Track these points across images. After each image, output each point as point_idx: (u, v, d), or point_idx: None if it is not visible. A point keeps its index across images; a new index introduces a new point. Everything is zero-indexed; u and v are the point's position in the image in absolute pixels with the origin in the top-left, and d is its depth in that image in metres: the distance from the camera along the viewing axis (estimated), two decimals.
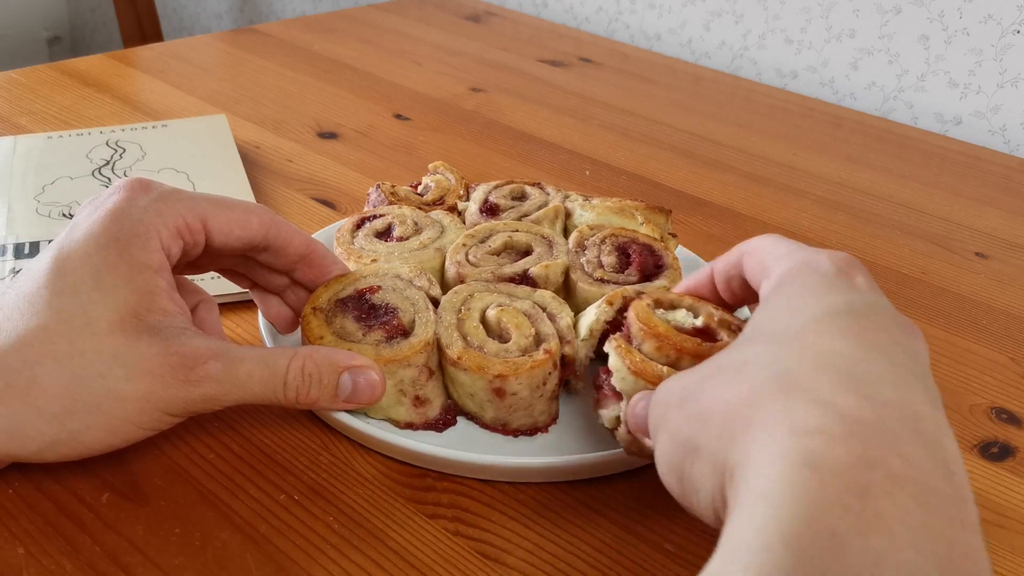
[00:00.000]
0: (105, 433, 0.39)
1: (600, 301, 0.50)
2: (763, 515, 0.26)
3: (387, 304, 0.47)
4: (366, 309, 0.47)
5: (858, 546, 0.25)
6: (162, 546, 0.40)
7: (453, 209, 0.60)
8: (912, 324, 0.36)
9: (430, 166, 0.65)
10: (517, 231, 0.56)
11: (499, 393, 0.45)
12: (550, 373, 0.46)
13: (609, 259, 0.54)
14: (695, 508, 0.33)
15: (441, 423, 0.47)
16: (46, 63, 0.96)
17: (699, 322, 0.42)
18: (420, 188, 0.63)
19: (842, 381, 0.29)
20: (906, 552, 0.25)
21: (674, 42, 1.20)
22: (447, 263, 0.53)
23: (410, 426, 0.46)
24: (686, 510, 0.34)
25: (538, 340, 0.46)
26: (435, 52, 1.09)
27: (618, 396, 0.41)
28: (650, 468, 0.47)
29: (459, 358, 0.45)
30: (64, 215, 0.64)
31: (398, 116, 0.90)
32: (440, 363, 0.47)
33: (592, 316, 0.49)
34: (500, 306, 0.48)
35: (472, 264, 0.53)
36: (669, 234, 0.59)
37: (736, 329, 0.41)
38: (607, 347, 0.42)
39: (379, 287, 0.48)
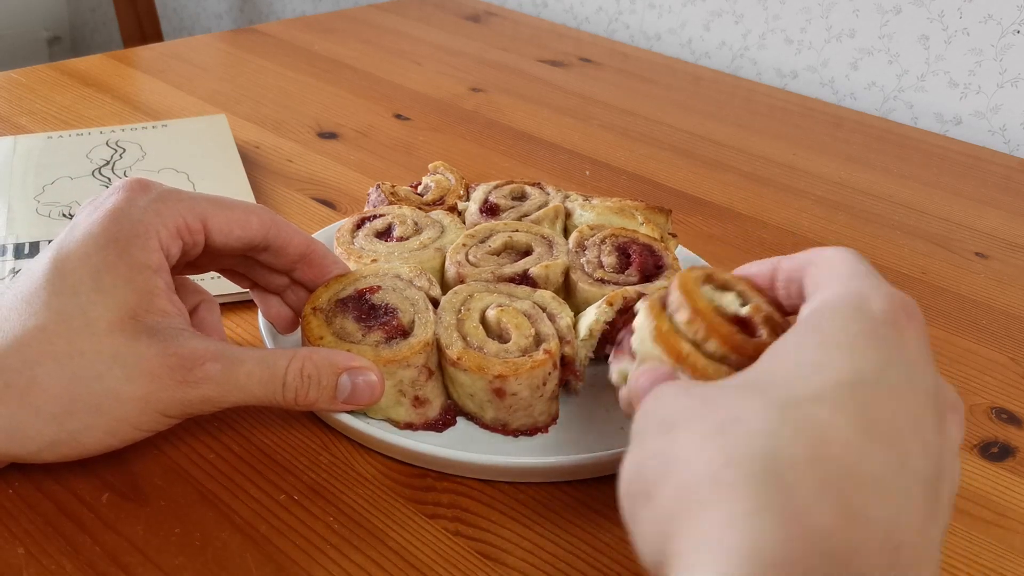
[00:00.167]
0: (104, 434, 0.39)
1: (600, 301, 0.50)
2: None
3: (387, 304, 0.47)
4: (366, 309, 0.47)
5: None
6: (162, 546, 0.40)
7: (453, 209, 0.60)
8: (950, 395, 0.32)
9: (430, 166, 0.65)
10: (517, 231, 0.56)
11: (499, 393, 0.45)
12: (550, 373, 0.46)
13: (609, 259, 0.54)
14: (636, 549, 0.30)
15: (441, 423, 0.47)
16: (46, 63, 0.96)
17: (744, 311, 0.38)
18: (420, 188, 0.63)
19: (830, 485, 0.26)
20: None
21: (674, 42, 1.20)
22: (447, 263, 0.53)
23: (410, 426, 0.46)
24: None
25: (538, 340, 0.46)
26: (435, 52, 1.09)
27: (633, 355, 0.39)
28: None
29: (459, 358, 0.45)
30: (64, 215, 0.65)
31: (398, 116, 0.90)
32: (440, 363, 0.47)
33: (592, 316, 0.49)
34: (500, 306, 0.48)
35: (472, 264, 0.53)
36: (669, 234, 0.59)
37: (779, 331, 0.38)
38: (639, 305, 0.39)
39: (379, 287, 0.48)
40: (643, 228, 0.57)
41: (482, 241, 0.55)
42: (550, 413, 0.47)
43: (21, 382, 0.37)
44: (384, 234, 0.56)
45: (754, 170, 0.84)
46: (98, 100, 0.88)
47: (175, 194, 0.43)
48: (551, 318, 0.48)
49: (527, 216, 0.58)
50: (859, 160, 0.88)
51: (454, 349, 0.45)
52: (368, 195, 0.61)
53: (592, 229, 0.56)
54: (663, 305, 0.39)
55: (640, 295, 0.50)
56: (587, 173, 0.81)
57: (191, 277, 0.49)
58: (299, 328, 0.48)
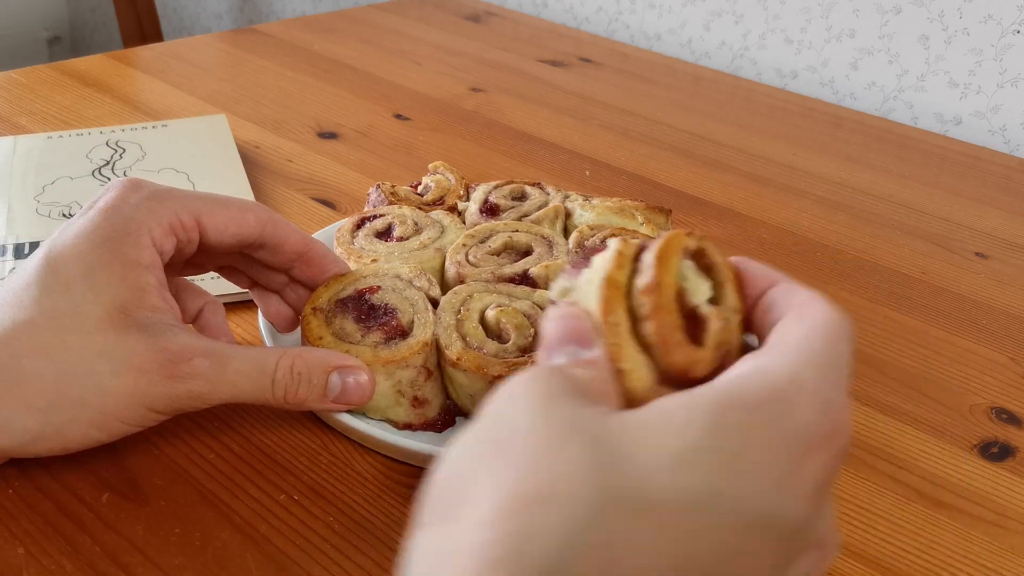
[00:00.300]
0: (88, 427, 0.39)
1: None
2: None
3: (386, 304, 0.47)
4: (365, 309, 0.47)
5: None
6: (162, 546, 0.40)
7: (453, 209, 0.60)
8: (825, 534, 0.28)
9: (430, 166, 0.65)
10: (517, 231, 0.56)
11: None
12: None
13: None
14: None
15: (440, 424, 0.47)
16: (46, 63, 0.96)
17: (707, 312, 0.32)
18: (420, 188, 0.63)
19: None
20: None
21: (674, 42, 1.20)
22: (447, 263, 0.53)
23: (409, 427, 0.46)
24: None
25: (538, 341, 0.46)
26: (435, 52, 1.09)
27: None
28: None
29: (458, 359, 0.45)
30: (64, 215, 0.64)
31: (398, 116, 0.90)
32: (439, 364, 0.47)
33: None
34: (499, 306, 0.48)
35: (472, 264, 0.53)
36: None
37: (723, 355, 0.32)
38: (610, 241, 0.34)
39: (379, 287, 0.48)
40: (643, 228, 0.57)
41: (482, 241, 0.55)
42: None
43: (8, 375, 0.37)
44: (384, 234, 0.56)
45: (754, 170, 0.84)
46: (98, 100, 0.88)
47: (169, 192, 0.43)
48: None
49: (527, 216, 0.58)
50: (859, 160, 0.88)
51: (453, 349, 0.45)
52: (368, 195, 0.61)
53: (592, 229, 0.56)
54: (636, 255, 0.33)
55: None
56: (587, 173, 0.81)
57: (191, 278, 0.49)
58: (299, 327, 0.48)
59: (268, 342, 0.50)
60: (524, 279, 0.52)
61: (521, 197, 0.62)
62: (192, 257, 0.45)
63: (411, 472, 0.45)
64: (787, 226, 0.75)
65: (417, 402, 0.46)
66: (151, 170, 0.72)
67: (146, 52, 1.03)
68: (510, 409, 0.27)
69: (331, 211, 0.71)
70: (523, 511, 0.23)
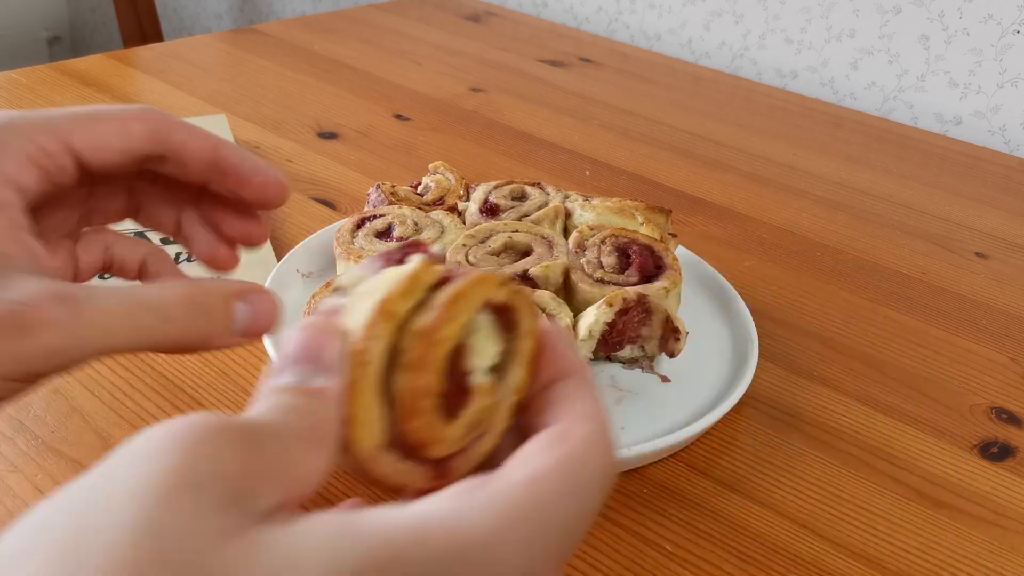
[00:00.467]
0: None
1: (600, 302, 0.50)
2: None
3: None
4: None
5: None
6: None
7: (453, 209, 0.60)
8: None
9: (430, 166, 0.65)
10: (517, 231, 0.56)
11: None
12: None
13: (609, 260, 0.54)
14: None
15: None
16: (46, 63, 0.96)
17: (479, 385, 0.26)
18: (420, 188, 0.63)
19: None
20: None
21: (674, 42, 1.20)
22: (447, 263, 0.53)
23: None
24: None
25: None
26: (435, 52, 1.09)
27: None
28: (649, 468, 0.47)
29: None
30: None
31: (398, 116, 0.90)
32: None
33: (592, 317, 0.49)
34: None
35: (472, 264, 0.53)
36: (669, 234, 0.59)
37: (480, 438, 0.27)
38: (413, 257, 0.28)
39: None
40: (643, 228, 0.57)
41: (482, 241, 0.55)
42: None
43: None
44: (384, 234, 0.56)
45: (754, 170, 0.84)
46: (98, 100, 0.88)
47: (24, 116, 0.35)
48: (550, 319, 0.48)
49: (527, 216, 0.58)
50: (859, 160, 0.88)
51: None
52: (368, 195, 0.61)
53: (592, 229, 0.56)
54: (437, 283, 0.27)
55: (640, 296, 0.50)
56: (587, 173, 0.81)
57: (119, 228, 0.41)
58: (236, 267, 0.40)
59: (273, 352, 0.50)
60: (524, 279, 0.52)
61: (521, 197, 0.62)
62: (87, 197, 0.38)
63: None
64: (787, 226, 0.75)
65: None
66: None
67: (146, 52, 1.03)
68: (111, 494, 0.20)
69: (331, 211, 0.71)
70: None
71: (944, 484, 0.48)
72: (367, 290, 0.27)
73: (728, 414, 0.49)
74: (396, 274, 0.27)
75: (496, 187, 0.62)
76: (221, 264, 0.40)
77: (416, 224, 0.56)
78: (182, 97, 0.90)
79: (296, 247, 0.59)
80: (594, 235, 0.56)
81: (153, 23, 1.88)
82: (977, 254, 0.73)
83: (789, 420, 0.51)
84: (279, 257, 0.61)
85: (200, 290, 0.33)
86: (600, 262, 0.54)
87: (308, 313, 0.48)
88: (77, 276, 0.37)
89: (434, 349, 0.25)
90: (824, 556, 0.43)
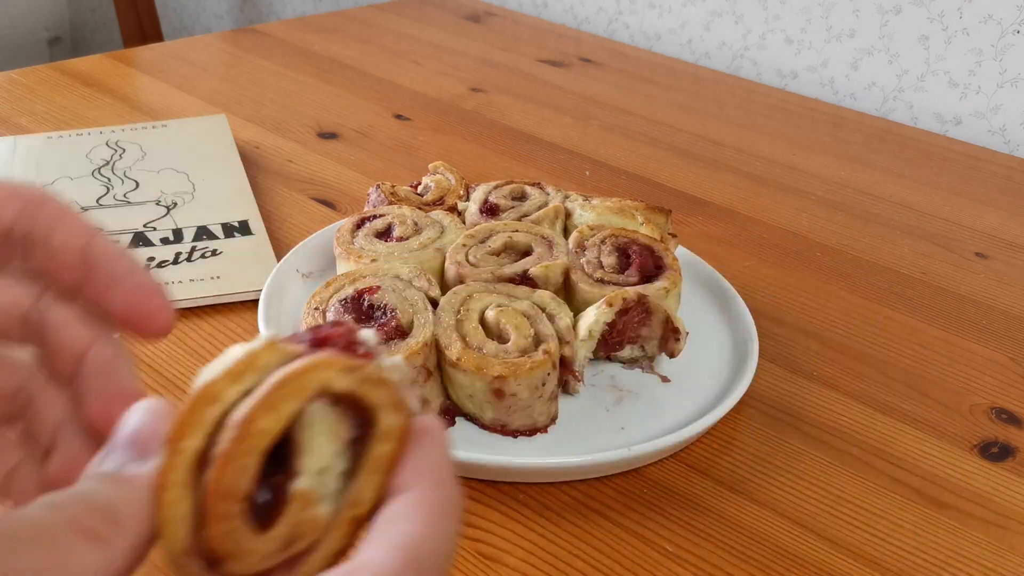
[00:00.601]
0: None
1: (600, 302, 0.50)
2: None
3: (386, 305, 0.47)
4: (365, 310, 0.47)
5: None
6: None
7: (453, 209, 0.60)
8: None
9: (430, 166, 0.65)
10: (517, 231, 0.56)
11: (498, 394, 0.45)
12: (549, 374, 0.46)
13: (609, 260, 0.54)
14: None
15: None
16: (46, 63, 0.96)
17: (298, 491, 0.22)
18: (420, 188, 0.63)
19: None
20: None
21: (674, 42, 1.20)
22: (447, 263, 0.53)
23: None
24: None
25: (537, 341, 0.46)
26: (435, 52, 1.09)
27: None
28: (649, 468, 0.47)
29: (458, 359, 0.45)
30: None
31: (398, 116, 0.90)
32: (439, 364, 0.47)
33: (592, 317, 0.49)
34: (499, 307, 0.48)
35: (472, 264, 0.53)
36: (669, 234, 0.59)
37: (302, 554, 0.22)
38: (262, 333, 0.25)
39: (378, 287, 0.48)
40: (643, 228, 0.57)
41: (482, 241, 0.55)
42: (549, 414, 0.47)
43: None
44: (384, 234, 0.56)
45: (754, 170, 0.84)
46: (98, 100, 0.88)
47: None
48: (550, 318, 0.48)
49: (527, 216, 0.58)
50: (859, 160, 0.88)
51: (453, 350, 0.45)
52: (368, 195, 0.61)
53: (592, 229, 0.56)
54: (286, 361, 0.23)
55: (640, 296, 0.50)
56: (587, 173, 0.81)
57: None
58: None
59: None
60: (524, 279, 0.52)
61: (521, 197, 0.62)
62: None
63: None
64: (787, 226, 0.75)
65: None
66: (151, 170, 0.72)
67: (146, 52, 1.03)
68: None
69: (331, 211, 0.71)
70: None
71: (944, 484, 0.48)
72: (213, 369, 0.23)
73: (728, 414, 0.49)
74: (236, 352, 0.23)
75: (496, 187, 0.62)
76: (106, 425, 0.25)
77: (416, 224, 0.56)
78: (182, 97, 0.90)
79: (296, 247, 0.59)
80: (594, 235, 0.56)
81: (153, 23, 1.88)
82: (977, 254, 0.73)
83: (789, 420, 0.51)
84: (279, 257, 0.61)
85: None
86: (600, 262, 0.54)
87: (306, 314, 0.48)
88: None
89: (246, 443, 0.21)
90: (824, 556, 0.43)
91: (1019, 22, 0.92)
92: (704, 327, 0.56)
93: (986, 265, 0.71)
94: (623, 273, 0.53)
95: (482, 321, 0.48)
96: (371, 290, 0.48)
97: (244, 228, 0.64)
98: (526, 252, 0.55)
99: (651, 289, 0.51)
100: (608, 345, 0.51)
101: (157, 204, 0.67)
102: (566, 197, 0.61)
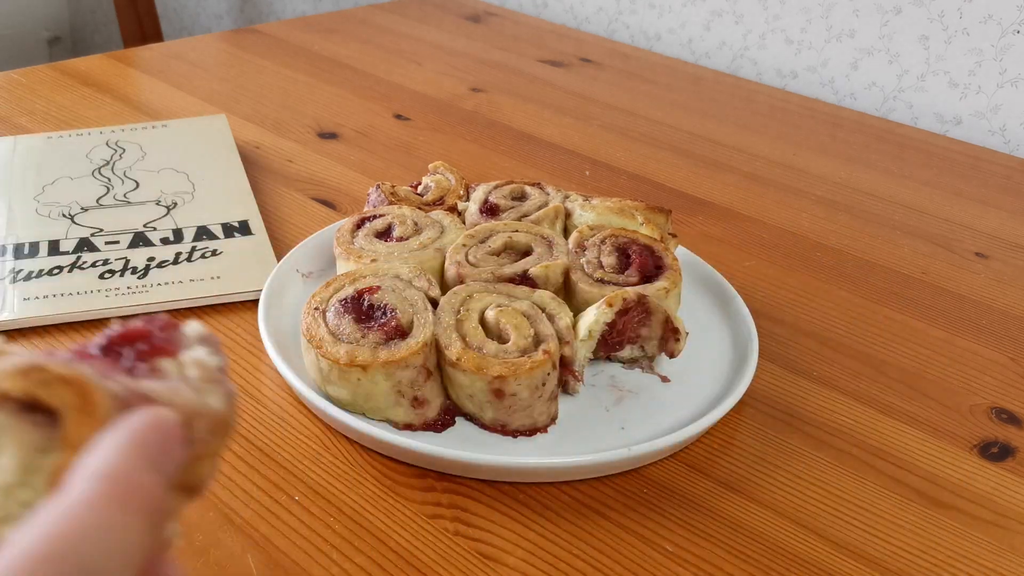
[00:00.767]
0: None
1: (600, 302, 0.50)
2: None
3: (386, 305, 0.47)
4: (365, 309, 0.47)
5: None
6: None
7: (453, 209, 0.60)
8: None
9: (430, 166, 0.65)
10: (517, 231, 0.56)
11: (498, 394, 0.45)
12: (549, 374, 0.46)
13: (609, 260, 0.54)
14: None
15: (440, 424, 0.47)
16: (46, 63, 0.96)
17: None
18: (420, 188, 0.63)
19: None
20: None
21: (674, 42, 1.20)
22: (447, 263, 0.53)
23: (409, 427, 0.46)
24: None
25: (537, 341, 0.46)
26: (435, 52, 1.09)
27: None
28: (649, 468, 0.47)
29: (458, 359, 0.45)
30: (64, 215, 0.64)
31: (398, 116, 0.90)
32: (439, 364, 0.47)
33: (592, 317, 0.49)
34: (499, 307, 0.48)
35: (472, 264, 0.53)
36: (669, 234, 0.59)
37: None
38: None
39: (378, 287, 0.48)
40: (643, 228, 0.57)
41: (482, 241, 0.55)
42: (549, 413, 0.47)
43: None
44: (384, 234, 0.56)
45: (754, 170, 0.84)
46: (98, 100, 0.88)
47: None
48: (550, 318, 0.48)
49: (527, 216, 0.58)
50: (859, 160, 0.88)
51: (453, 350, 0.45)
52: (368, 195, 0.61)
53: (592, 229, 0.56)
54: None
55: (640, 296, 0.50)
56: (587, 173, 0.81)
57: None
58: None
59: (273, 352, 0.50)
60: (524, 279, 0.52)
61: (521, 197, 0.62)
62: None
63: (411, 472, 0.45)
64: (787, 226, 0.75)
65: (417, 402, 0.46)
66: (151, 170, 0.72)
67: (146, 52, 1.03)
68: None
69: (331, 211, 0.71)
70: None
71: (944, 484, 0.48)
72: None
73: (728, 414, 0.49)
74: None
75: (496, 187, 0.62)
76: None
77: (416, 224, 0.56)
78: (182, 97, 0.90)
79: (296, 247, 0.59)
80: (594, 235, 0.56)
81: (153, 23, 1.87)
82: (977, 254, 0.73)
83: (789, 420, 0.51)
84: (279, 257, 0.61)
85: None
86: (600, 262, 0.54)
87: (306, 314, 0.48)
88: None
89: None
90: (824, 556, 0.43)
91: (1019, 22, 0.92)
92: (704, 327, 0.56)
93: (986, 265, 0.71)
94: (623, 273, 0.53)
95: (482, 321, 0.48)
96: (371, 290, 0.48)
97: (244, 228, 0.64)
98: (526, 252, 0.55)
99: (651, 289, 0.51)
100: (608, 345, 0.51)
101: (157, 204, 0.67)
102: (566, 197, 0.61)
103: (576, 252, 0.55)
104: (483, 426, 0.47)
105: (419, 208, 0.59)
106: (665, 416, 0.49)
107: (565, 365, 0.48)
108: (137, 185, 0.69)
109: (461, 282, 0.51)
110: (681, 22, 1.18)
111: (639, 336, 0.51)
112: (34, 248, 0.60)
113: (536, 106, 0.95)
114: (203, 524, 0.41)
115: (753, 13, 1.11)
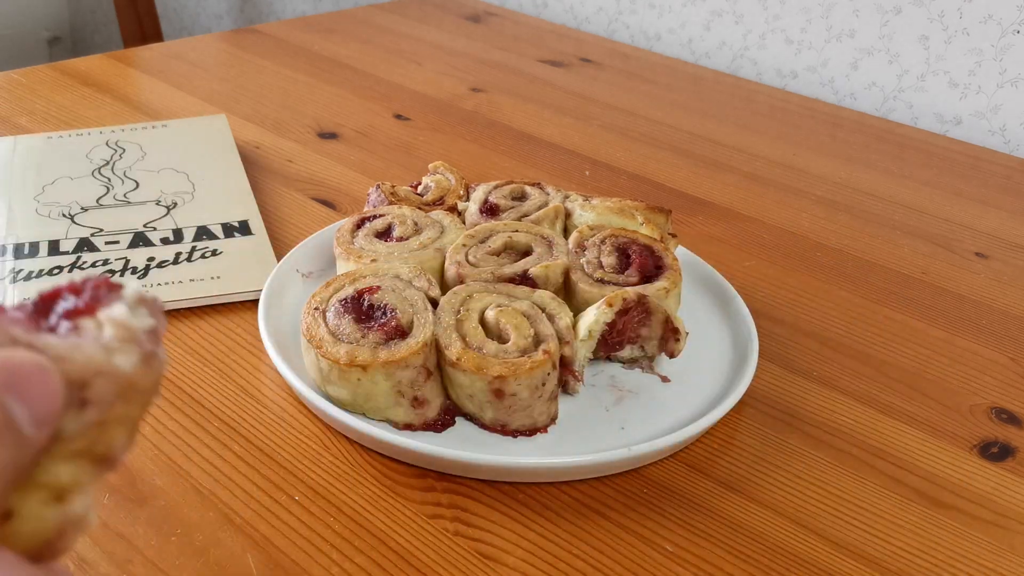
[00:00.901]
0: None
1: (600, 302, 0.50)
2: None
3: (386, 305, 0.47)
4: (365, 309, 0.47)
5: None
6: (162, 546, 0.40)
7: (453, 209, 0.60)
8: None
9: (430, 166, 0.65)
10: (517, 231, 0.56)
11: (498, 394, 0.45)
12: (549, 374, 0.46)
13: (609, 260, 0.54)
14: None
15: (440, 424, 0.47)
16: (46, 63, 0.96)
17: None
18: (420, 188, 0.63)
19: None
20: None
21: (674, 42, 1.20)
22: (447, 263, 0.53)
23: (409, 427, 0.46)
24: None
25: (537, 341, 0.46)
26: (435, 52, 1.09)
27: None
28: (649, 468, 0.47)
29: (458, 359, 0.45)
30: (64, 215, 0.64)
31: (398, 116, 0.90)
32: (439, 364, 0.47)
33: (592, 317, 0.49)
34: (499, 307, 0.48)
35: (472, 264, 0.53)
36: (669, 234, 0.59)
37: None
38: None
39: (378, 287, 0.48)
40: (643, 228, 0.57)
41: (482, 241, 0.55)
42: (549, 413, 0.47)
43: None
44: (384, 234, 0.56)
45: (754, 170, 0.84)
46: (98, 100, 0.88)
47: None
48: (550, 318, 0.48)
49: (527, 216, 0.58)
50: (859, 160, 0.88)
51: (453, 350, 0.45)
52: (368, 195, 0.61)
53: (592, 229, 0.57)
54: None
55: (640, 296, 0.50)
56: (587, 173, 0.81)
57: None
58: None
59: (272, 351, 0.50)
60: (524, 279, 0.52)
61: (521, 197, 0.62)
62: None
63: (411, 472, 0.45)
64: (787, 226, 0.75)
65: (417, 402, 0.46)
66: (151, 170, 0.72)
67: (146, 52, 1.03)
68: None
69: (331, 211, 0.71)
70: None
71: (944, 484, 0.48)
72: None
73: (728, 414, 0.49)
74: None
75: (496, 187, 0.62)
76: None
77: (416, 224, 0.56)
78: (182, 97, 0.90)
79: (296, 247, 0.59)
80: (594, 235, 0.56)
81: (153, 23, 1.87)
82: (977, 254, 0.73)
83: (789, 420, 0.51)
84: (279, 257, 0.61)
85: None
86: (600, 262, 0.54)
87: (306, 314, 0.48)
88: None
89: None
90: (824, 556, 0.43)
91: (1019, 22, 0.92)
92: (704, 327, 0.56)
93: (986, 265, 0.71)
94: (623, 273, 0.53)
95: (482, 321, 0.48)
96: (371, 290, 0.48)
97: (244, 228, 0.64)
98: (526, 252, 0.55)
99: (651, 289, 0.51)
100: (608, 345, 0.51)
101: (157, 204, 0.67)
102: (566, 197, 0.61)
103: (576, 252, 0.55)
104: (483, 426, 0.47)
105: (419, 208, 0.59)
106: (665, 416, 0.49)
107: (565, 365, 0.48)
108: (137, 185, 0.69)
109: (461, 282, 0.51)
110: (681, 22, 1.18)
111: (639, 336, 0.51)
112: (34, 248, 0.60)
113: (536, 106, 0.95)
114: (203, 524, 0.41)
115: (753, 13, 1.11)
